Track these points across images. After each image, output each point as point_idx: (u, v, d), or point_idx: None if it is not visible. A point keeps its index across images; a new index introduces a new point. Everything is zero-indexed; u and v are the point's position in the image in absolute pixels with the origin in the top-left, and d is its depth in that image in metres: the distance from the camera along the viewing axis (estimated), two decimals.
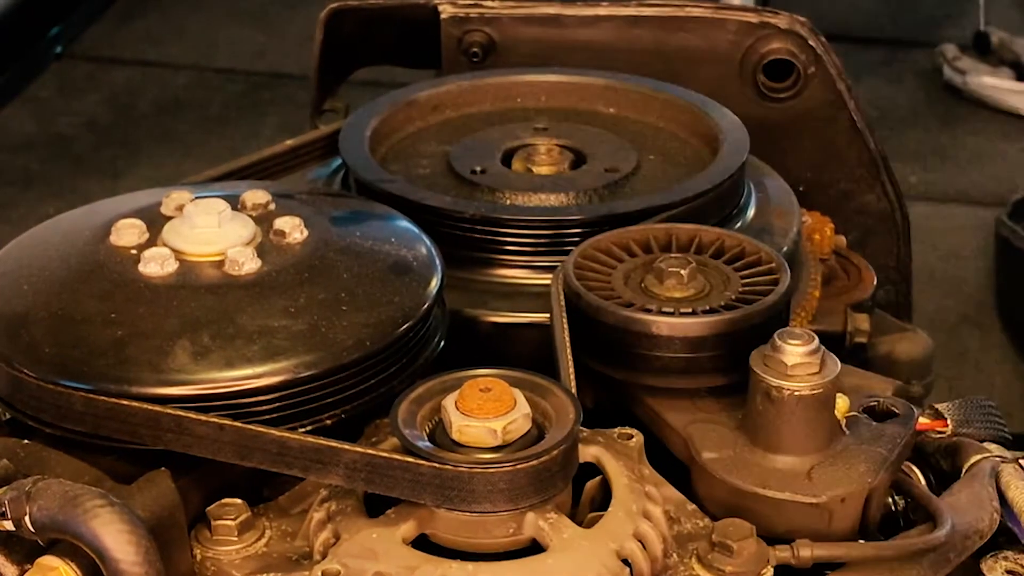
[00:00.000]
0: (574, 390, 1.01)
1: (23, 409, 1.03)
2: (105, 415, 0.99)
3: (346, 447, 0.95)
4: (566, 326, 1.07)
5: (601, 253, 1.14)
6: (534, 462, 0.92)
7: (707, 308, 1.07)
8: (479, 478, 0.92)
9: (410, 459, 0.93)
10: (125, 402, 0.98)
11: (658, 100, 1.40)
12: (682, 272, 1.10)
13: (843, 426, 1.04)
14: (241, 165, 1.35)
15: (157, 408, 0.98)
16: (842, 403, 1.03)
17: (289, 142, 1.41)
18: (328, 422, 1.02)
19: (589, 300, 1.08)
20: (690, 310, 1.07)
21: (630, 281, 1.12)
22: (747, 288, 1.10)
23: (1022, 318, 2.57)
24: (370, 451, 0.95)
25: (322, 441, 0.95)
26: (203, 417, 0.97)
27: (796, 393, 1.00)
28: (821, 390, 1.00)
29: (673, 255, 1.13)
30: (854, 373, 1.12)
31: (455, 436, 0.95)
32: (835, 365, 1.02)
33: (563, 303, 1.09)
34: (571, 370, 1.04)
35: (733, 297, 1.09)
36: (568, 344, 1.05)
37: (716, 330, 1.06)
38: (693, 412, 1.07)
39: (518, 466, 0.92)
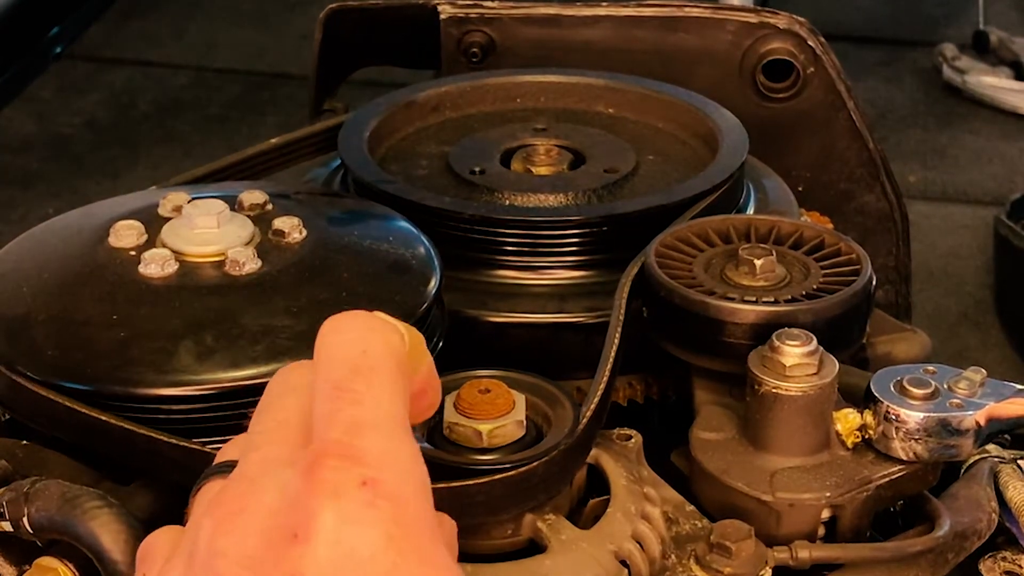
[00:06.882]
0: (608, 384, 1.00)
1: (18, 412, 1.02)
2: (86, 428, 0.97)
3: None
4: (622, 319, 1.05)
5: (681, 243, 1.14)
6: (503, 475, 0.92)
7: (789, 297, 1.07)
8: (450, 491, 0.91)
9: None
10: (104, 417, 0.96)
11: (657, 100, 1.40)
12: (764, 262, 1.10)
13: (846, 443, 1.02)
14: (226, 163, 1.35)
15: (132, 427, 0.95)
16: (854, 419, 1.02)
17: (274, 140, 1.41)
18: None
19: (678, 290, 1.07)
20: (772, 299, 1.07)
21: (710, 269, 1.12)
22: (828, 278, 1.10)
23: (1021, 317, 2.57)
24: None
25: None
26: (174, 440, 0.95)
27: (792, 394, 1.00)
28: (819, 391, 1.00)
29: (756, 245, 1.13)
30: (853, 373, 1.12)
31: (444, 432, 0.96)
32: (833, 366, 1.02)
33: (624, 300, 1.07)
34: (609, 364, 1.02)
35: (815, 287, 1.09)
36: (616, 343, 1.03)
37: (814, 316, 1.05)
38: (723, 395, 1.08)
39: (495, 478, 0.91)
